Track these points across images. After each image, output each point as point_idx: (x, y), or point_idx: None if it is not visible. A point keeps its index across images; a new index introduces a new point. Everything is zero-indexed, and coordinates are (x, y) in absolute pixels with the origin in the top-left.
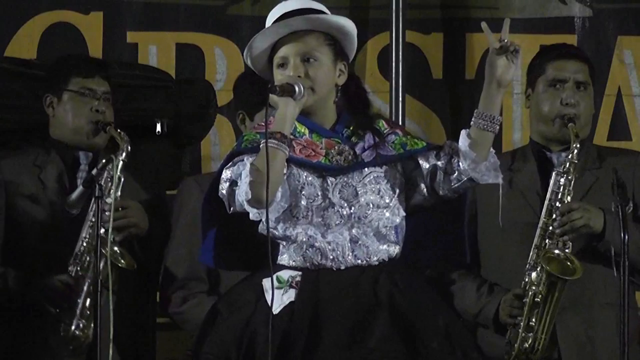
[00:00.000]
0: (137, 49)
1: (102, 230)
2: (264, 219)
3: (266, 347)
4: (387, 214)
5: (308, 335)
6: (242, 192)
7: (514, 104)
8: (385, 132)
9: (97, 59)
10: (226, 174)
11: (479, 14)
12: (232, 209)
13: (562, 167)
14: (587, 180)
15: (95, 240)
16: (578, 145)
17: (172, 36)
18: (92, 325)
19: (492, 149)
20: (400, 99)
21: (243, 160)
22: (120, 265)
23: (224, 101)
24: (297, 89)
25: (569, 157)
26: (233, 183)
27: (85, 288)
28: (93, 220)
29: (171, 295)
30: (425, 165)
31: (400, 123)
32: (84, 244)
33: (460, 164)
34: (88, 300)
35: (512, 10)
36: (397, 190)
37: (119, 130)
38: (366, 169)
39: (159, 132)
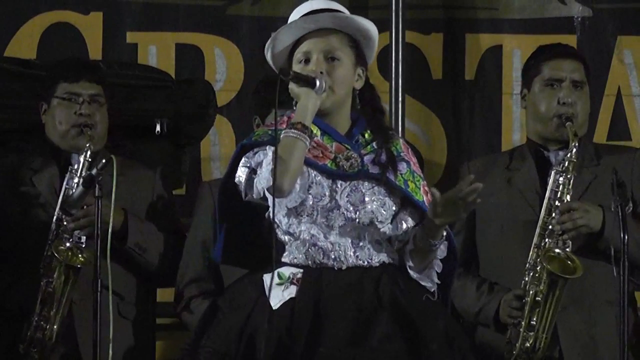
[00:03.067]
0: (136, 49)
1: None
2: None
3: (265, 342)
4: (387, 228)
5: (310, 332)
6: (263, 179)
7: (513, 104)
8: (401, 155)
9: (85, 62)
10: (245, 161)
11: (479, 15)
12: (247, 196)
13: (561, 165)
14: (585, 177)
15: (95, 240)
16: (576, 144)
17: (172, 36)
18: (55, 326)
19: (435, 270)
20: (400, 99)
21: (264, 149)
22: (78, 265)
23: (224, 101)
24: (318, 82)
25: (568, 155)
26: (252, 171)
27: (42, 289)
28: (57, 224)
29: (180, 296)
30: (404, 215)
31: (400, 123)
32: (50, 248)
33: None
34: (49, 301)
35: (512, 11)
36: (397, 208)
37: (89, 133)
38: (374, 180)
39: (158, 132)
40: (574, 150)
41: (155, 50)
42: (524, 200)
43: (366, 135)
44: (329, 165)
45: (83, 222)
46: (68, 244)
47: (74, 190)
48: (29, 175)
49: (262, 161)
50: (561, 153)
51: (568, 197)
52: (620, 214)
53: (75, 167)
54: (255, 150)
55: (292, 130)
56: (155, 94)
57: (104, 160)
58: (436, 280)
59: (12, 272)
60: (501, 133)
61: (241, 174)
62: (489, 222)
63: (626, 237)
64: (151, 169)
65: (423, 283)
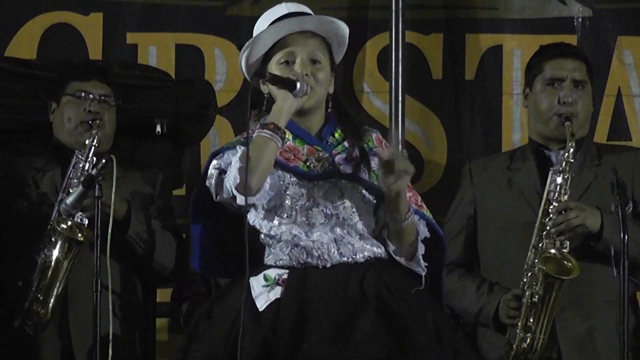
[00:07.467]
0: (136, 50)
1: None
2: (251, 207)
3: (250, 342)
4: (369, 220)
5: (294, 331)
6: (231, 177)
7: (513, 104)
8: (373, 150)
9: (95, 63)
10: (215, 163)
11: (479, 15)
12: (218, 197)
13: (559, 166)
14: (586, 177)
15: (95, 240)
16: (574, 145)
17: (172, 37)
18: (52, 300)
19: (419, 252)
20: (400, 99)
21: (234, 150)
22: (79, 239)
23: (224, 102)
24: (299, 86)
25: (565, 156)
26: (222, 172)
27: (40, 262)
28: (59, 205)
29: (173, 298)
30: (383, 208)
31: (400, 123)
32: (52, 226)
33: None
34: (46, 274)
35: (512, 11)
36: (377, 202)
37: (97, 123)
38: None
39: (158, 132)
40: (571, 150)
41: (155, 51)
42: (524, 200)
43: (336, 135)
44: (300, 167)
45: (87, 201)
46: (69, 222)
47: (77, 179)
48: (31, 174)
49: (231, 161)
50: (562, 152)
51: (565, 198)
52: (620, 214)
53: (82, 151)
54: (226, 152)
55: (265, 130)
56: (155, 94)
57: (103, 160)
58: (423, 263)
59: (13, 268)
60: (501, 133)
61: (211, 176)
62: (490, 222)
63: (626, 237)
64: (152, 172)
65: (412, 268)
